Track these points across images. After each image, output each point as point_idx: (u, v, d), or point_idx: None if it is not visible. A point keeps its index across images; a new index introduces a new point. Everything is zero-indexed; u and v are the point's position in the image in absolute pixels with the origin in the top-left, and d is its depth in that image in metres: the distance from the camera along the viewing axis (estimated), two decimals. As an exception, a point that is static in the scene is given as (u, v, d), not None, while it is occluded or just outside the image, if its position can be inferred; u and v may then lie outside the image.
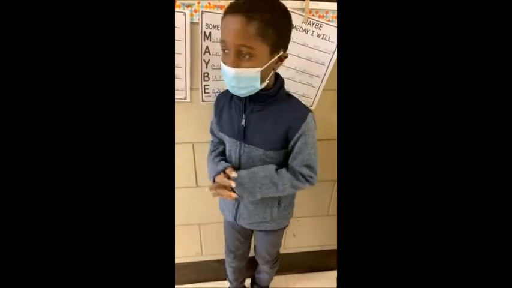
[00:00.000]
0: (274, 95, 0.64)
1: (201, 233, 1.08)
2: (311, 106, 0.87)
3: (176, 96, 0.80)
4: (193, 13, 0.72)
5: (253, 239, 0.94)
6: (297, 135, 0.65)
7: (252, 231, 0.87)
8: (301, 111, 0.66)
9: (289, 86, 0.83)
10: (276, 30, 0.55)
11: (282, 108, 0.65)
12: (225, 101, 0.71)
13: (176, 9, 0.71)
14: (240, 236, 0.89)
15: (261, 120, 0.65)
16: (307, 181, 0.68)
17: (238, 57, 0.55)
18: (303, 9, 0.75)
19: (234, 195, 0.66)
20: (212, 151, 0.77)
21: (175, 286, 1.13)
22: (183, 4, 0.71)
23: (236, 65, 0.55)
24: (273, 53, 0.58)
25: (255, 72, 0.57)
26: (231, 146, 0.70)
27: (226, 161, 0.72)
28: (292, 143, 0.66)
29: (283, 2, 0.73)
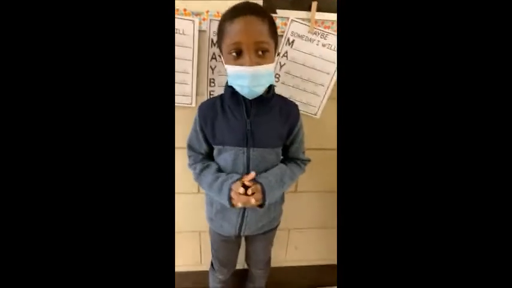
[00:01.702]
0: (273, 95, 0.67)
1: (201, 241, 1.06)
2: (315, 115, 0.87)
3: (182, 102, 0.82)
4: (202, 21, 0.74)
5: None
6: (296, 128, 0.71)
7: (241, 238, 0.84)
8: (294, 105, 0.73)
9: (295, 95, 0.84)
10: (276, 28, 0.62)
11: (283, 106, 0.70)
12: (214, 111, 0.67)
13: (185, 18, 0.73)
14: (235, 247, 0.87)
15: (269, 121, 0.66)
16: (305, 165, 0.77)
17: (256, 55, 0.57)
18: (309, 20, 0.76)
19: (254, 201, 0.63)
20: (204, 168, 0.70)
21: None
22: (193, 13, 0.73)
23: (256, 63, 0.57)
24: (275, 50, 0.63)
25: (271, 67, 0.61)
26: (236, 154, 0.66)
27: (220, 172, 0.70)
28: (292, 136, 0.71)
29: (291, 11, 0.76)
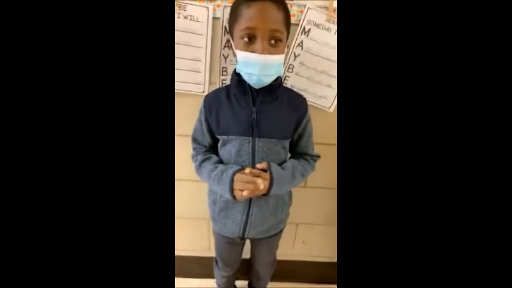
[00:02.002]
0: (280, 85, 0.66)
1: (209, 227, 1.08)
2: (329, 108, 0.84)
3: (194, 90, 0.82)
4: (216, 8, 0.73)
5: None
6: (304, 120, 0.68)
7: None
8: (302, 97, 0.71)
9: (309, 87, 0.81)
10: (290, 19, 0.60)
11: (291, 97, 0.68)
12: (219, 100, 0.66)
13: (199, 4, 0.72)
14: (239, 249, 0.86)
15: (275, 110, 0.64)
16: (315, 162, 0.75)
17: (268, 44, 0.56)
18: (326, 8, 0.72)
19: (258, 180, 0.60)
20: (204, 159, 0.69)
21: (181, 278, 1.14)
22: (207, -1, 0.72)
23: (268, 51, 0.55)
24: (287, 40, 0.61)
25: (282, 58, 0.59)
26: (241, 144, 0.64)
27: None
28: (300, 129, 0.68)
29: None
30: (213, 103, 0.66)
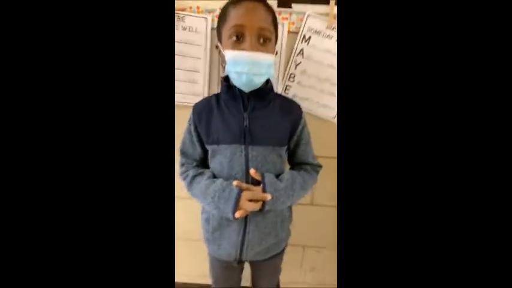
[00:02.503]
0: (272, 89, 0.63)
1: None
2: (334, 118, 0.79)
3: (193, 101, 0.79)
4: (215, 19, 0.73)
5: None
6: (300, 126, 0.64)
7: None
8: (295, 102, 0.67)
9: (311, 96, 0.78)
10: (277, 23, 0.60)
11: (284, 103, 0.64)
12: (209, 107, 0.62)
13: (198, 15, 0.73)
14: (236, 275, 0.76)
15: (268, 116, 0.60)
16: (318, 173, 0.69)
17: (257, 42, 0.54)
18: (327, 14, 0.71)
19: (268, 196, 0.56)
20: (197, 175, 0.63)
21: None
22: (206, 10, 0.72)
23: (257, 49, 0.54)
24: (276, 42, 0.60)
25: (272, 58, 0.57)
26: (232, 153, 0.59)
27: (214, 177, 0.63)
28: (296, 136, 0.64)
29: (307, 6, 0.71)
30: (203, 111, 0.62)
